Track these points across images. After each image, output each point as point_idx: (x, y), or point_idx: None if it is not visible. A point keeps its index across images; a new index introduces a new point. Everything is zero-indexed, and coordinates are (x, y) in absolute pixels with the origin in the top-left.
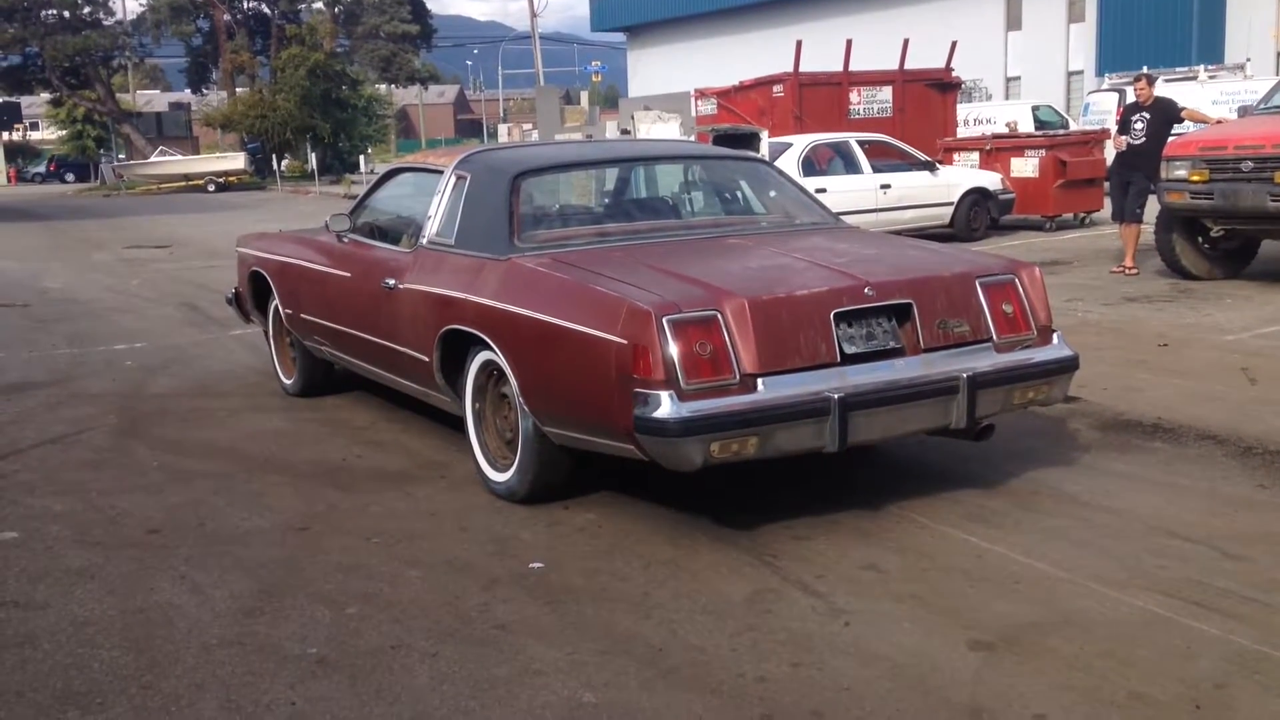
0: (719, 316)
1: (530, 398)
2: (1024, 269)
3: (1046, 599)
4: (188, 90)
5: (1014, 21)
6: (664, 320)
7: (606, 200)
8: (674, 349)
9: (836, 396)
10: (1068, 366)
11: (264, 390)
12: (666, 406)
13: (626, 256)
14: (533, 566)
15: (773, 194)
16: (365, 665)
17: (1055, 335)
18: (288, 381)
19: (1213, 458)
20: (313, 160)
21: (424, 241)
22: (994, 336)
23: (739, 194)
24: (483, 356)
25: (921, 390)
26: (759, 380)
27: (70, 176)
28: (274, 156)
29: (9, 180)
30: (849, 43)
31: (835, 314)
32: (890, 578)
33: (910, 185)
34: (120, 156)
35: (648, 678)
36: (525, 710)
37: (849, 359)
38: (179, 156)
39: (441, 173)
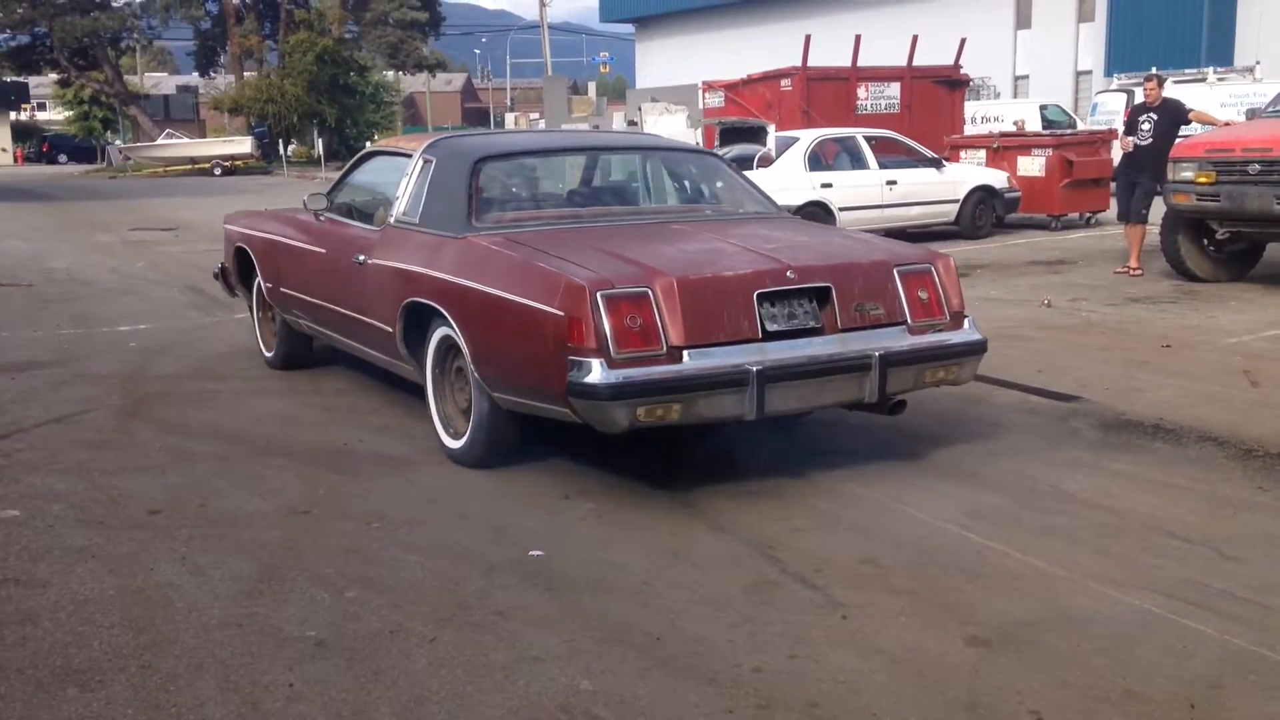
0: (650, 293)
1: (480, 365)
2: (939, 259)
3: (1044, 596)
4: (195, 73)
5: (1024, 20)
6: (598, 295)
7: (563, 186)
8: (606, 321)
9: (755, 369)
10: (976, 349)
11: (267, 373)
12: (597, 372)
13: (574, 238)
14: (532, 554)
15: (720, 185)
16: (364, 649)
17: (967, 320)
18: (269, 354)
19: (1213, 459)
20: (319, 145)
21: (392, 220)
22: (908, 319)
23: (688, 184)
24: (441, 332)
25: (836, 366)
26: (685, 352)
27: (63, 158)
28: (281, 141)
29: (16, 161)
30: (858, 38)
31: (759, 294)
32: (889, 572)
33: (916, 182)
34: (127, 138)
35: (645, 666)
36: (522, 696)
37: (771, 336)
38: (185, 139)
39: (411, 156)
